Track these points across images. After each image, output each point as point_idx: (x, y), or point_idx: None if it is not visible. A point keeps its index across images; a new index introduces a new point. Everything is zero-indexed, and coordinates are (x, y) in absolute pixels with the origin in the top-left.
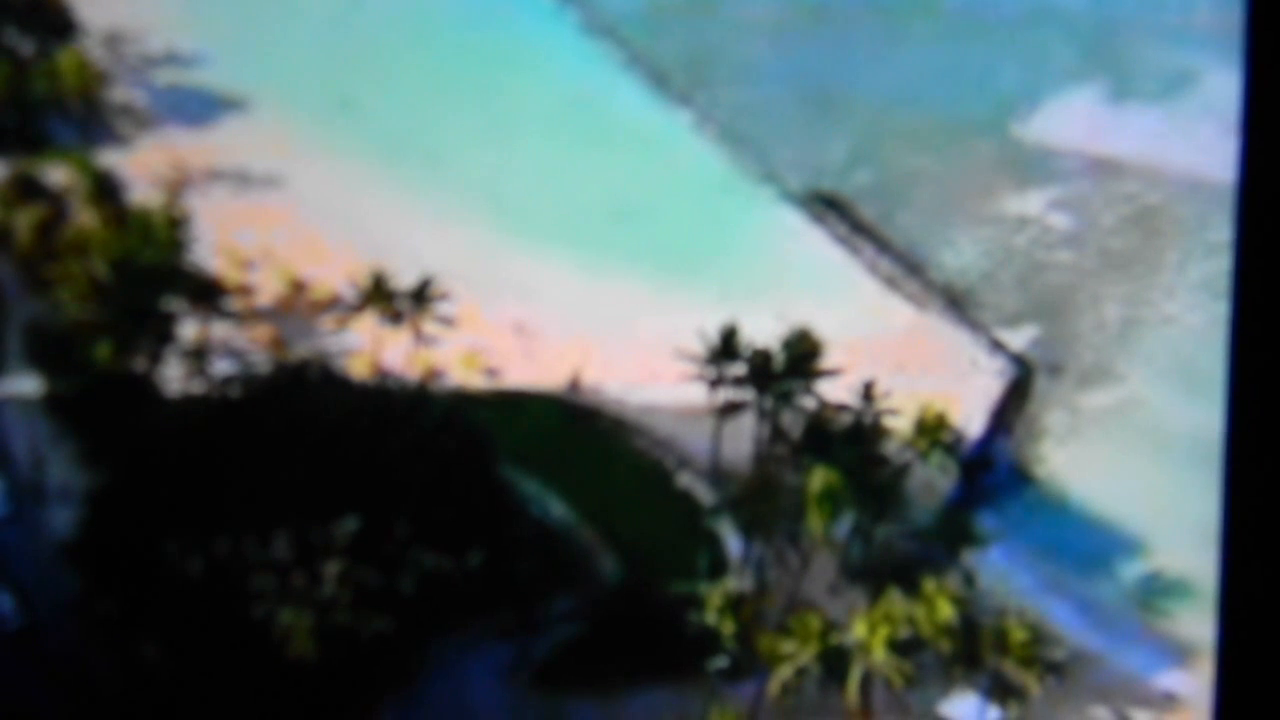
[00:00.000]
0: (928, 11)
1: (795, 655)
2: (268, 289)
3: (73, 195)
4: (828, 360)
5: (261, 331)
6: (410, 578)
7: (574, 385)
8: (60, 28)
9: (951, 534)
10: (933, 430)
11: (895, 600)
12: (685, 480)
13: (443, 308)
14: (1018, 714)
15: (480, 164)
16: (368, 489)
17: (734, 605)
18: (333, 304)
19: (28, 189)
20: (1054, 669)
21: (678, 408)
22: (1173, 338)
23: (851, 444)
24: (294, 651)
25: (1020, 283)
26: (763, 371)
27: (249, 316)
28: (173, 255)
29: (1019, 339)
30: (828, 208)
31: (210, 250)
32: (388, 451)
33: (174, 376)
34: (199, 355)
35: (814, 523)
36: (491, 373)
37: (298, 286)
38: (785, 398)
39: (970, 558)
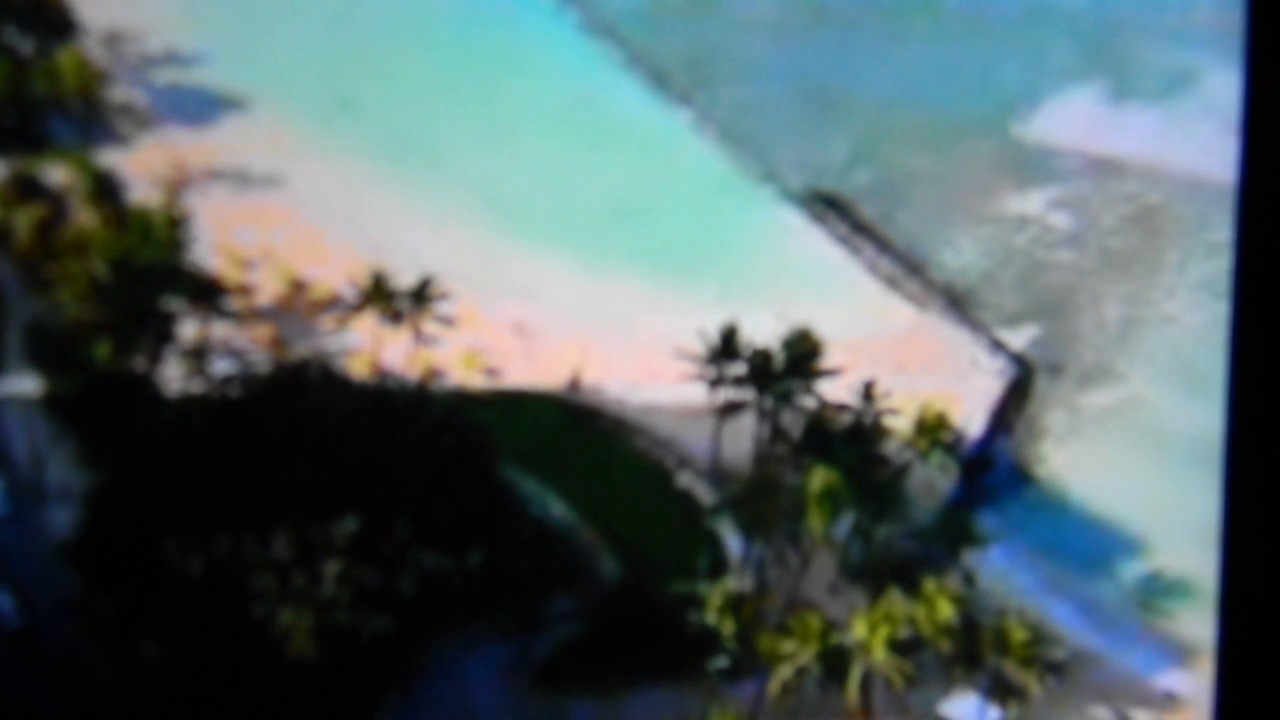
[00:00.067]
0: (928, 11)
1: (795, 655)
2: (268, 289)
3: (72, 195)
4: (828, 360)
5: (261, 331)
6: (410, 578)
7: (574, 385)
8: (60, 27)
9: (951, 534)
10: (933, 430)
11: (895, 600)
12: (685, 480)
13: (443, 307)
14: (1018, 714)
15: (480, 164)
16: (367, 489)
17: (734, 605)
18: (333, 304)
19: (28, 189)
20: (1054, 669)
21: (678, 408)
22: (1173, 337)
23: (852, 444)
24: (294, 651)
25: (1020, 282)
26: (763, 371)
27: (249, 316)
28: (172, 255)
29: (1019, 339)
30: (828, 207)
31: (210, 250)
32: (388, 451)
33: (174, 376)
34: (199, 355)
35: (814, 522)
36: (491, 373)
37: (298, 286)
38: (785, 398)
39: (970, 558)
